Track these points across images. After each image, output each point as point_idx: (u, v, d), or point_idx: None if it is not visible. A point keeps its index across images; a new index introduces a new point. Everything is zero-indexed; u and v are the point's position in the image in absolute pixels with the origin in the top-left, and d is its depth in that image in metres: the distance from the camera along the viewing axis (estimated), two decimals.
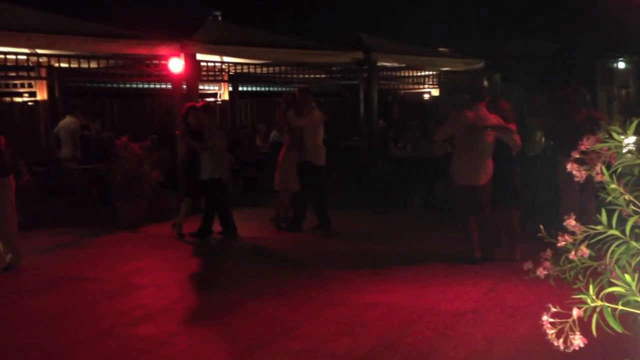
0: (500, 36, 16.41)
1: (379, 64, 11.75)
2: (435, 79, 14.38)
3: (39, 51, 10.27)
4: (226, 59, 11.21)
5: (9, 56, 10.04)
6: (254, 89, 14.31)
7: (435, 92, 15.40)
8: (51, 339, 4.88)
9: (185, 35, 10.04)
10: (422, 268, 6.57)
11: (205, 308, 5.64)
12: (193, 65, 10.09)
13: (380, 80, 12.23)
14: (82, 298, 5.94)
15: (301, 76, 12.75)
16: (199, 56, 10.31)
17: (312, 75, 13.08)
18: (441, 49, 13.49)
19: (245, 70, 12.07)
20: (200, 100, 8.96)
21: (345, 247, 7.77)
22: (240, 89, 13.87)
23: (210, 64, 11.41)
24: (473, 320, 5.05)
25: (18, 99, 11.86)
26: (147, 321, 5.27)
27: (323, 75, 13.18)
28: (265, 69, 12.21)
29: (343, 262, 7.01)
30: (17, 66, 10.88)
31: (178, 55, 9.93)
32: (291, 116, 8.43)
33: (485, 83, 12.16)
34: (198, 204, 8.62)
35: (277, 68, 12.21)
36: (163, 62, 10.13)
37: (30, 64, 10.98)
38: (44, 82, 11.74)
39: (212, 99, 13.42)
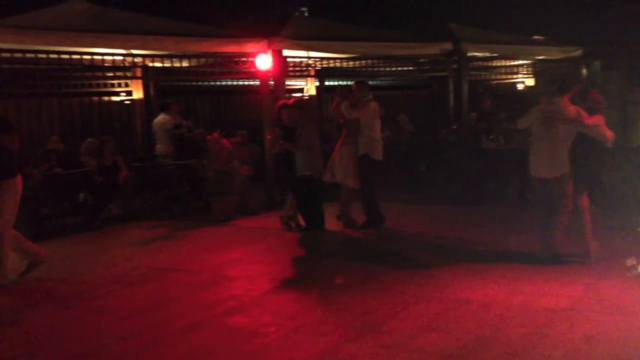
0: (600, 21, 15.63)
1: (469, 54, 11.45)
2: (530, 68, 13.87)
3: (135, 52, 10.68)
4: (313, 53, 11.26)
5: (106, 57, 10.51)
6: (341, 83, 14.31)
7: (531, 82, 14.86)
8: (150, 328, 5.05)
9: (273, 32, 10.18)
10: (515, 264, 6.36)
11: (295, 300, 5.69)
12: (280, 61, 10.21)
13: (470, 71, 11.90)
14: (178, 289, 6.13)
15: (388, 69, 12.62)
16: (286, 52, 10.42)
17: (399, 68, 12.93)
18: (536, 37, 12.97)
19: (332, 65, 12.08)
20: (287, 96, 9.00)
21: (435, 242, 7.64)
22: (327, 83, 13.90)
23: (297, 60, 11.50)
24: (571, 317, 4.83)
25: (115, 98, 12.39)
26: (239, 312, 5.37)
27: (410, 68, 12.99)
28: (352, 63, 12.18)
29: (433, 257, 6.88)
30: (114, 66, 11.38)
31: (266, 52, 10.08)
32: (345, 108, 8.32)
33: (584, 71, 11.62)
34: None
35: (363, 61, 12.15)
36: (251, 59, 10.31)
37: (127, 64, 11.45)
38: (140, 81, 12.20)
39: (298, 94, 13.54)
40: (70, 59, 10.19)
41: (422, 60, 12.09)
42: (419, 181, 10.70)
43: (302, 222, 8.33)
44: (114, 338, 4.90)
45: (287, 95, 11.30)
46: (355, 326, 4.88)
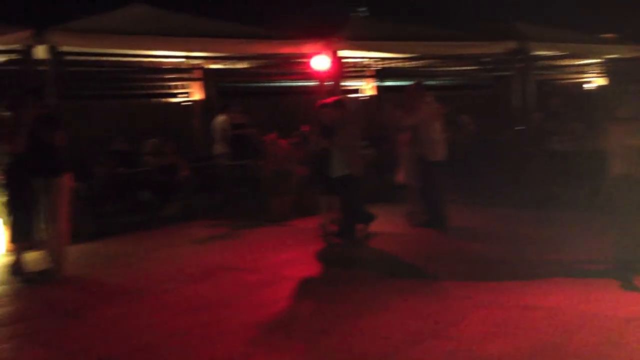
0: None
1: (535, 53, 11.12)
2: (601, 68, 13.38)
3: (194, 54, 10.81)
4: (371, 54, 11.18)
5: (167, 60, 10.68)
6: (401, 83, 14.15)
7: (602, 82, 14.34)
8: (209, 325, 5.05)
9: (331, 33, 10.14)
10: (587, 271, 6.09)
11: (355, 302, 5.58)
12: (338, 62, 10.16)
13: (536, 71, 11.55)
14: (236, 287, 6.13)
15: (449, 69, 12.41)
16: (344, 53, 10.36)
17: (460, 68, 12.70)
18: (606, 35, 12.51)
19: (392, 65, 11.96)
20: (338, 96, 8.86)
21: (499, 246, 7.40)
22: (387, 83, 13.78)
23: (355, 60, 11.43)
24: None
25: (175, 100, 12.59)
26: (297, 313, 5.33)
27: (473, 67, 12.73)
28: (412, 63, 12.03)
29: (498, 261, 6.67)
30: (175, 69, 11.55)
31: (323, 53, 10.05)
32: (398, 116, 8.23)
33: None
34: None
35: (424, 61, 11.98)
36: (309, 60, 10.30)
37: (186, 67, 11.61)
38: (199, 83, 12.36)
39: (354, 95, 13.45)
40: (133, 62, 10.38)
41: (485, 59, 11.83)
42: (483, 183, 10.45)
43: (335, 227, 8.14)
44: (174, 333, 4.92)
45: (343, 96, 11.26)
46: (417, 330, 4.75)
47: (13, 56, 8.77)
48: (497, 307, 5.20)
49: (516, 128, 11.05)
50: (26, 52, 8.34)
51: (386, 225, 8.63)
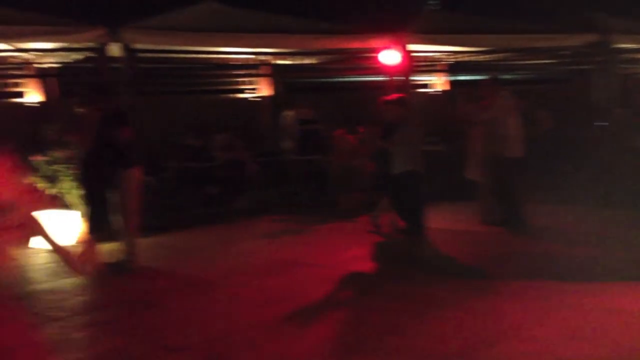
0: None
1: (618, 46, 10.61)
2: None
3: (262, 50, 10.86)
4: (443, 48, 10.95)
5: (235, 56, 10.76)
6: (474, 77, 13.81)
7: None
8: (278, 319, 5.04)
9: (401, 27, 9.98)
10: None
11: (426, 301, 5.45)
12: (407, 56, 9.99)
13: (619, 64, 11.01)
14: (305, 282, 6.10)
15: (525, 62, 12.03)
16: (414, 47, 10.18)
17: (537, 61, 12.27)
18: None
19: (465, 59, 11.68)
20: (401, 93, 8.60)
21: (580, 246, 7.09)
22: (459, 78, 13.48)
23: (425, 55, 11.22)
24: None
25: (244, 95, 12.70)
26: (368, 309, 5.25)
27: (550, 61, 12.28)
28: (486, 57, 11.70)
29: (576, 263, 6.38)
30: (243, 65, 11.64)
31: (393, 47, 9.89)
32: (472, 111, 7.99)
33: None
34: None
35: (498, 55, 11.63)
36: (377, 54, 10.16)
37: (254, 63, 11.68)
38: (267, 79, 12.42)
39: (423, 90, 13.21)
40: (203, 59, 10.52)
41: (563, 52, 11.36)
42: (561, 181, 10.07)
43: (400, 224, 7.97)
44: (244, 326, 4.94)
45: (406, 92, 11.08)
46: (493, 330, 4.61)
47: (88, 54, 9.04)
48: (577, 309, 4.99)
49: (597, 124, 10.59)
50: (100, 49, 8.56)
51: (458, 222, 8.47)
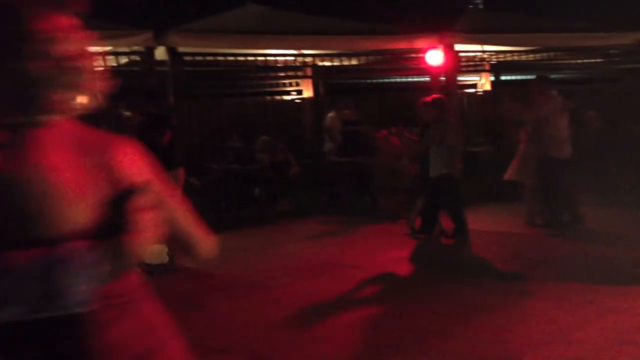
0: None
1: None
2: None
3: (305, 52, 10.89)
4: (488, 47, 10.82)
5: (278, 58, 10.83)
6: (519, 77, 13.57)
7: None
8: (320, 321, 5.05)
9: (445, 27, 9.89)
10: None
11: (468, 304, 5.38)
12: (452, 56, 9.89)
13: None
14: (347, 284, 6.07)
15: (571, 61, 11.79)
16: (459, 46, 10.07)
17: (585, 60, 12.01)
18: None
19: (509, 58, 11.51)
20: (438, 94, 8.46)
21: (628, 249, 6.87)
22: (503, 78, 13.28)
23: (470, 54, 11.10)
24: None
25: (287, 97, 12.75)
26: (409, 313, 5.22)
27: (598, 60, 12.00)
28: (531, 56, 11.51)
29: (622, 266, 6.23)
30: (286, 67, 11.70)
31: (437, 47, 9.81)
32: (519, 110, 7.85)
33: None
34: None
35: (544, 54, 11.43)
36: (422, 55, 10.09)
37: (297, 64, 11.73)
38: (310, 80, 12.45)
39: (471, 90, 13.04)
40: (246, 61, 10.62)
41: (612, 51, 11.09)
42: (611, 182, 9.80)
43: (415, 225, 7.86)
44: (288, 327, 4.96)
45: (457, 91, 10.97)
46: (538, 334, 4.52)
47: (135, 57, 9.23)
48: (624, 313, 4.88)
49: None
50: (147, 53, 8.72)
51: (503, 224, 8.35)
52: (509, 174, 8.25)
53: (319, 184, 10.45)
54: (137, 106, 6.91)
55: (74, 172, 1.40)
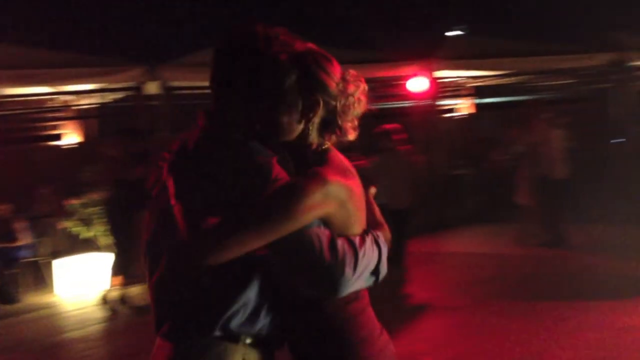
0: None
1: (634, 63, 10.67)
2: None
3: None
4: (467, 73, 11.17)
5: None
6: (498, 100, 13.95)
7: None
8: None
9: (428, 54, 10.21)
10: None
11: (452, 327, 5.65)
12: (435, 82, 10.23)
13: (636, 82, 11.06)
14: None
15: (546, 83, 12.18)
16: (441, 73, 10.41)
17: (557, 82, 12.40)
18: None
19: (489, 83, 11.85)
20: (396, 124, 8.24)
21: (595, 265, 7.22)
22: (484, 101, 13.63)
23: (452, 79, 11.42)
24: None
25: None
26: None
27: (569, 81, 12.38)
28: (509, 79, 11.88)
29: (593, 282, 6.54)
30: None
31: (421, 74, 10.12)
32: (515, 137, 8.20)
33: None
34: None
35: (520, 77, 11.80)
36: (405, 81, 10.38)
37: None
38: None
39: (450, 115, 13.34)
40: None
41: (583, 72, 11.46)
42: (583, 199, 10.09)
43: None
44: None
45: (441, 115, 11.29)
46: (512, 353, 4.77)
47: (127, 93, 9.25)
48: (594, 328, 5.12)
49: (612, 141, 10.62)
50: (138, 88, 8.75)
51: (484, 245, 8.56)
52: (522, 198, 8.39)
53: None
54: (119, 144, 6.85)
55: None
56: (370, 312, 1.88)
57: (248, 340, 1.78)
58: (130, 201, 6.51)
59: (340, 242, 1.70)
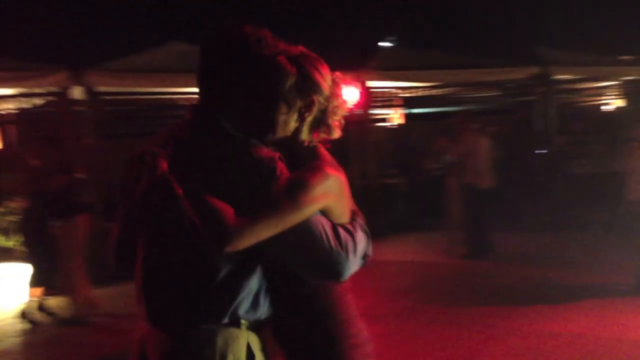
0: None
1: (556, 77, 11.12)
2: (619, 90, 13.21)
3: None
4: (397, 83, 11.34)
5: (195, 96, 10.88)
6: (427, 110, 14.24)
7: (620, 103, 14.19)
8: None
9: (359, 64, 10.30)
10: (606, 296, 6.13)
11: (380, 336, 5.64)
12: (366, 92, 10.32)
13: (558, 94, 11.53)
14: None
15: (473, 95, 12.51)
16: (372, 83, 10.52)
17: (483, 94, 12.76)
18: (624, 57, 12.34)
19: (420, 94, 12.08)
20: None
21: (521, 273, 7.43)
22: (414, 111, 13.88)
23: (383, 90, 11.57)
24: None
25: None
26: None
27: (495, 93, 12.77)
28: (438, 91, 12.14)
29: (519, 289, 6.72)
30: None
31: (353, 84, 10.19)
32: (445, 146, 8.43)
33: None
34: None
35: (450, 89, 12.09)
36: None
37: None
38: None
39: (382, 124, 13.52)
40: (168, 100, 10.56)
41: (508, 85, 11.86)
42: (506, 208, 10.41)
43: None
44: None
45: (373, 125, 11.41)
46: None
47: (50, 98, 8.90)
48: (519, 335, 5.24)
49: (536, 152, 11.02)
50: (62, 94, 8.45)
51: (413, 254, 8.67)
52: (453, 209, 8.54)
53: None
54: (36, 152, 6.61)
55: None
56: (351, 295, 2.05)
57: (247, 325, 1.85)
58: (50, 212, 6.32)
59: (341, 230, 1.85)
